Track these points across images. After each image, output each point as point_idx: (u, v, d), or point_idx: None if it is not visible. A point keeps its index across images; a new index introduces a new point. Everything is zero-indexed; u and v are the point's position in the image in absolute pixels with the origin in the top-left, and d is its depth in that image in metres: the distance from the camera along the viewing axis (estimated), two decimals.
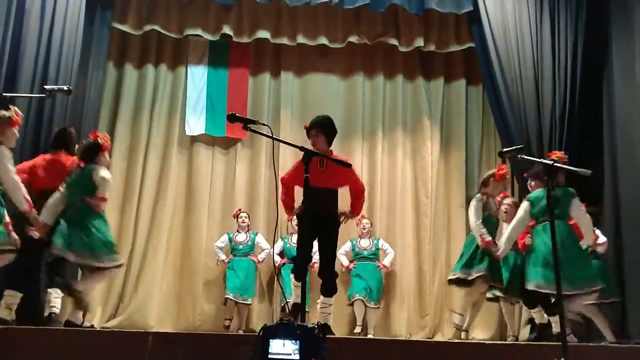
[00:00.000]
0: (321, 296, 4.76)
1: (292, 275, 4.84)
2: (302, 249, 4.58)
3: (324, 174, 4.56)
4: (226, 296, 6.80)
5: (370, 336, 6.77)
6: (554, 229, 3.64)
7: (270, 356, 2.55)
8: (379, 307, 7.00)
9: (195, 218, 7.32)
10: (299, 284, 4.61)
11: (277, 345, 2.55)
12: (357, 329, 6.88)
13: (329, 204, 4.70)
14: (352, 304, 6.95)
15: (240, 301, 6.78)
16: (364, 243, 7.12)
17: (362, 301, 6.84)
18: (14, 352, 3.85)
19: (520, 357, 4.22)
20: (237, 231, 7.08)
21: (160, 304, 6.94)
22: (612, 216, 6.20)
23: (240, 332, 6.75)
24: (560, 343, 3.34)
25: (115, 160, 7.08)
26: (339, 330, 6.71)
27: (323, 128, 4.71)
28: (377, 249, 7.13)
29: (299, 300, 4.63)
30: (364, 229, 7.12)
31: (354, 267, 7.02)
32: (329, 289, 4.72)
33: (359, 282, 6.92)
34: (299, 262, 4.63)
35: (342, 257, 7.07)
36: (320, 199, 4.47)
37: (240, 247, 7.01)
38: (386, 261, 7.12)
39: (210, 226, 7.34)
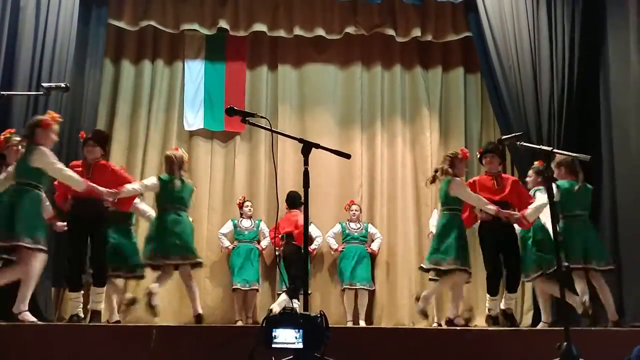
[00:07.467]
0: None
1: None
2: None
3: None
4: (234, 287, 6.83)
5: (362, 323, 6.80)
6: (554, 214, 3.66)
7: (274, 345, 2.57)
8: (373, 289, 7.03)
9: (196, 212, 7.30)
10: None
11: (280, 335, 2.58)
12: (349, 324, 6.83)
13: None
14: (342, 292, 6.99)
15: (248, 288, 6.81)
16: (354, 225, 7.16)
17: (356, 289, 6.87)
18: (21, 346, 3.89)
19: (524, 343, 4.24)
20: (242, 217, 7.14)
21: (162, 298, 6.91)
22: (609, 202, 6.19)
23: (250, 321, 6.80)
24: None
25: (115, 157, 7.08)
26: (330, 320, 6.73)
27: None
28: (367, 231, 7.17)
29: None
30: (354, 215, 7.15)
31: (342, 249, 7.05)
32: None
33: (350, 269, 6.90)
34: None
35: (331, 240, 7.11)
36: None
37: (246, 232, 7.07)
38: (374, 245, 7.16)
39: (210, 220, 7.36)
